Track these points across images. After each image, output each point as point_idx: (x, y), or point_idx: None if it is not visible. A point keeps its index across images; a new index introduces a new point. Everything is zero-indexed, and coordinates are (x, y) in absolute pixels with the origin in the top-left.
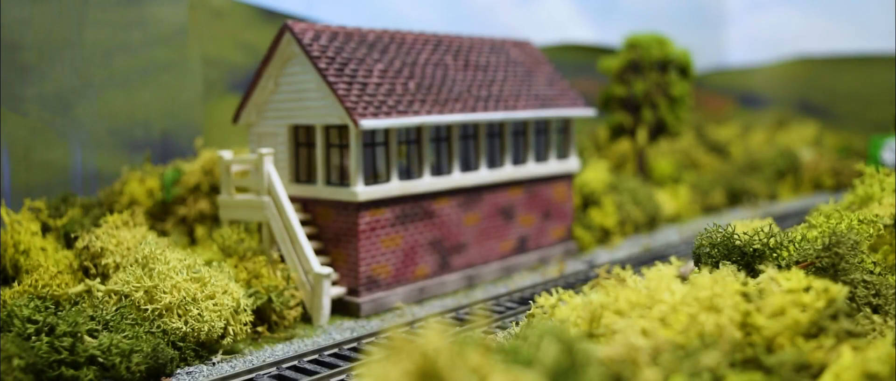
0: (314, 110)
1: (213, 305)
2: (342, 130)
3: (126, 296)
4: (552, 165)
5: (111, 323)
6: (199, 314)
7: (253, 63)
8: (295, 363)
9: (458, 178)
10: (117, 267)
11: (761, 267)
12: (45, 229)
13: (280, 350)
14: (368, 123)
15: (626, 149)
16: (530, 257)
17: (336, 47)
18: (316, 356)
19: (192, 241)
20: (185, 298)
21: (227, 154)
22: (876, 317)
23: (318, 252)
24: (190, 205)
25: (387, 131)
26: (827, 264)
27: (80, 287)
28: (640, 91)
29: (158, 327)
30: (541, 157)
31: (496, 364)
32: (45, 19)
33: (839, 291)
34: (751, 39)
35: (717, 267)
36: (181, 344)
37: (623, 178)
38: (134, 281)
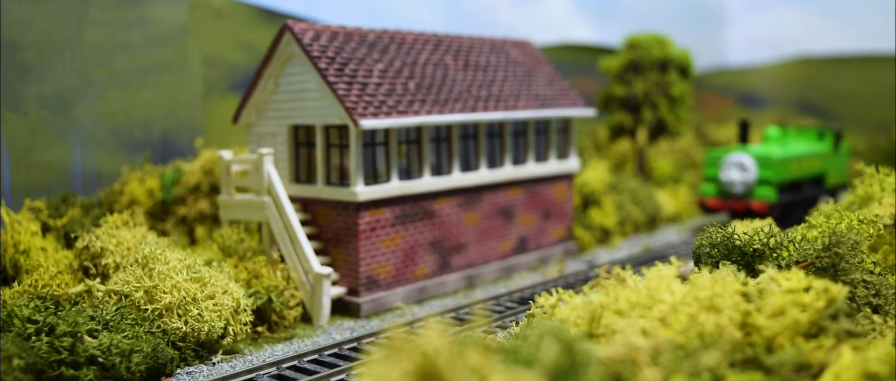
0: (314, 110)
1: (213, 305)
2: (342, 130)
3: (126, 296)
4: (552, 166)
5: (111, 323)
6: (199, 314)
7: (253, 63)
8: (295, 363)
9: (458, 178)
10: (117, 267)
11: (761, 267)
12: (45, 229)
13: (280, 350)
14: (368, 123)
15: (626, 149)
16: (530, 257)
17: (336, 47)
18: (316, 356)
19: (192, 241)
20: (185, 298)
21: (227, 154)
22: (876, 317)
23: (318, 252)
24: (190, 205)
25: (387, 131)
26: (827, 264)
27: (80, 287)
28: (640, 91)
29: (158, 327)
30: (541, 157)
31: (496, 364)
32: (45, 19)
33: (839, 291)
34: (751, 39)
35: (717, 267)
36: (181, 344)
37: (623, 178)
38: (134, 281)
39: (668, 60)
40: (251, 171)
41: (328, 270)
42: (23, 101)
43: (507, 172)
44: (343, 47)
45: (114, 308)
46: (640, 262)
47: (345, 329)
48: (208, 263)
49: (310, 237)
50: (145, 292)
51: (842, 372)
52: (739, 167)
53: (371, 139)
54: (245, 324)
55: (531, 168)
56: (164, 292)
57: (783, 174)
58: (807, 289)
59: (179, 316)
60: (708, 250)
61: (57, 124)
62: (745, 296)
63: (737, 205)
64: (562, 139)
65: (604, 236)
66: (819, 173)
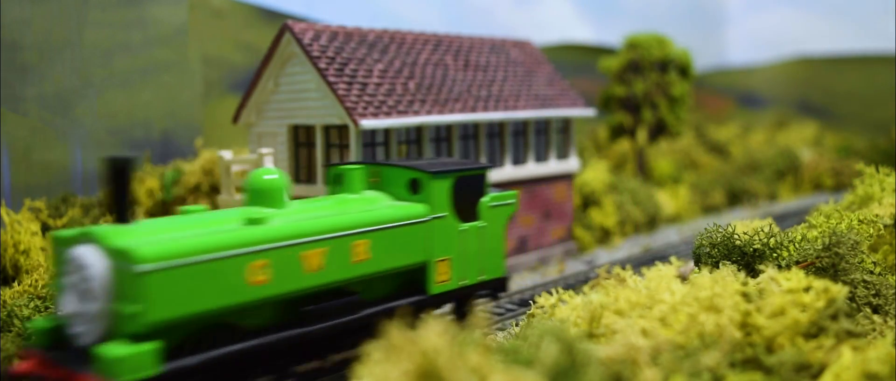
0: (314, 110)
1: None
2: (342, 129)
3: None
4: (552, 166)
5: None
6: None
7: (253, 63)
8: None
9: None
10: None
11: (761, 267)
12: (45, 229)
13: None
14: (368, 123)
15: (626, 149)
16: (530, 258)
17: (336, 47)
18: None
19: None
20: None
21: (227, 154)
22: (876, 317)
23: None
24: (190, 205)
25: (387, 131)
26: (827, 264)
27: None
28: (640, 91)
29: None
30: (541, 157)
31: (496, 364)
32: (45, 19)
33: (839, 291)
34: (751, 39)
35: (717, 267)
36: None
37: (623, 178)
38: None
39: (668, 60)
40: (251, 171)
41: None
42: (23, 101)
43: (507, 172)
44: (343, 47)
45: None
46: (640, 262)
47: None
48: None
49: None
50: None
51: (842, 372)
52: (80, 284)
53: (371, 139)
54: None
55: (531, 168)
56: None
57: (193, 301)
58: (807, 289)
59: None
60: (708, 250)
61: (57, 124)
62: (745, 296)
63: (59, 375)
64: (562, 139)
65: (604, 236)
66: (398, 269)
